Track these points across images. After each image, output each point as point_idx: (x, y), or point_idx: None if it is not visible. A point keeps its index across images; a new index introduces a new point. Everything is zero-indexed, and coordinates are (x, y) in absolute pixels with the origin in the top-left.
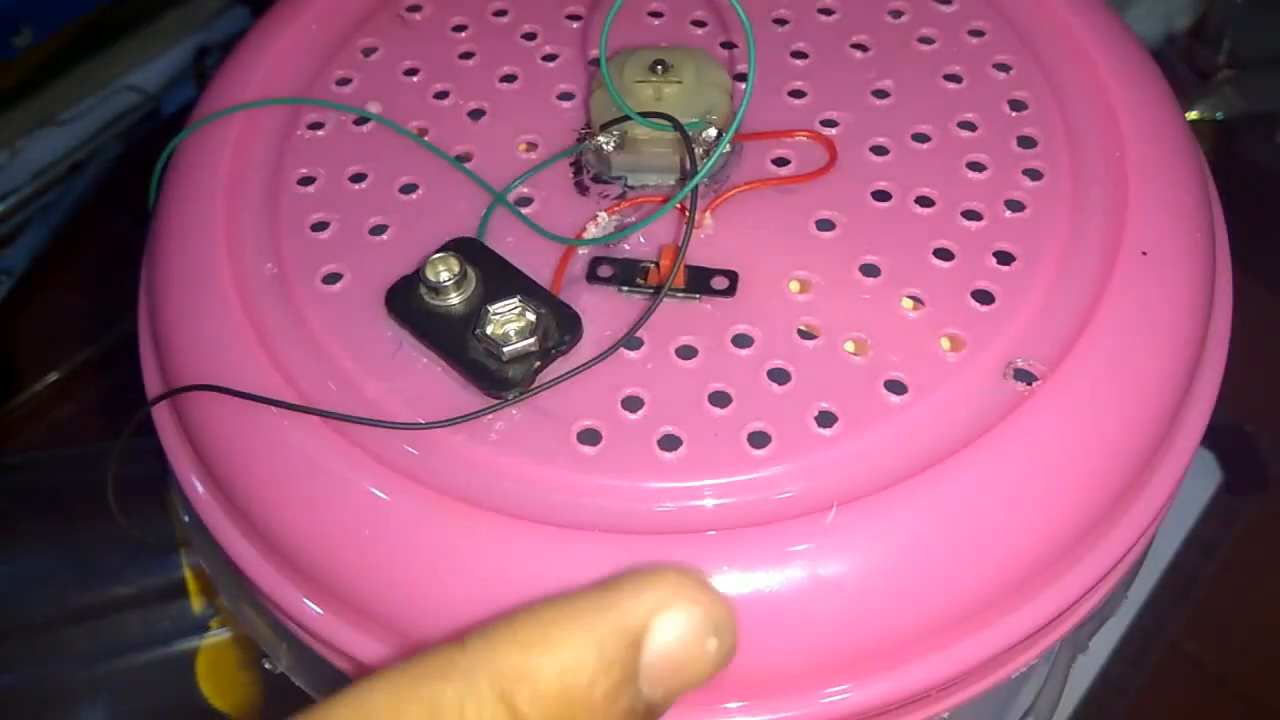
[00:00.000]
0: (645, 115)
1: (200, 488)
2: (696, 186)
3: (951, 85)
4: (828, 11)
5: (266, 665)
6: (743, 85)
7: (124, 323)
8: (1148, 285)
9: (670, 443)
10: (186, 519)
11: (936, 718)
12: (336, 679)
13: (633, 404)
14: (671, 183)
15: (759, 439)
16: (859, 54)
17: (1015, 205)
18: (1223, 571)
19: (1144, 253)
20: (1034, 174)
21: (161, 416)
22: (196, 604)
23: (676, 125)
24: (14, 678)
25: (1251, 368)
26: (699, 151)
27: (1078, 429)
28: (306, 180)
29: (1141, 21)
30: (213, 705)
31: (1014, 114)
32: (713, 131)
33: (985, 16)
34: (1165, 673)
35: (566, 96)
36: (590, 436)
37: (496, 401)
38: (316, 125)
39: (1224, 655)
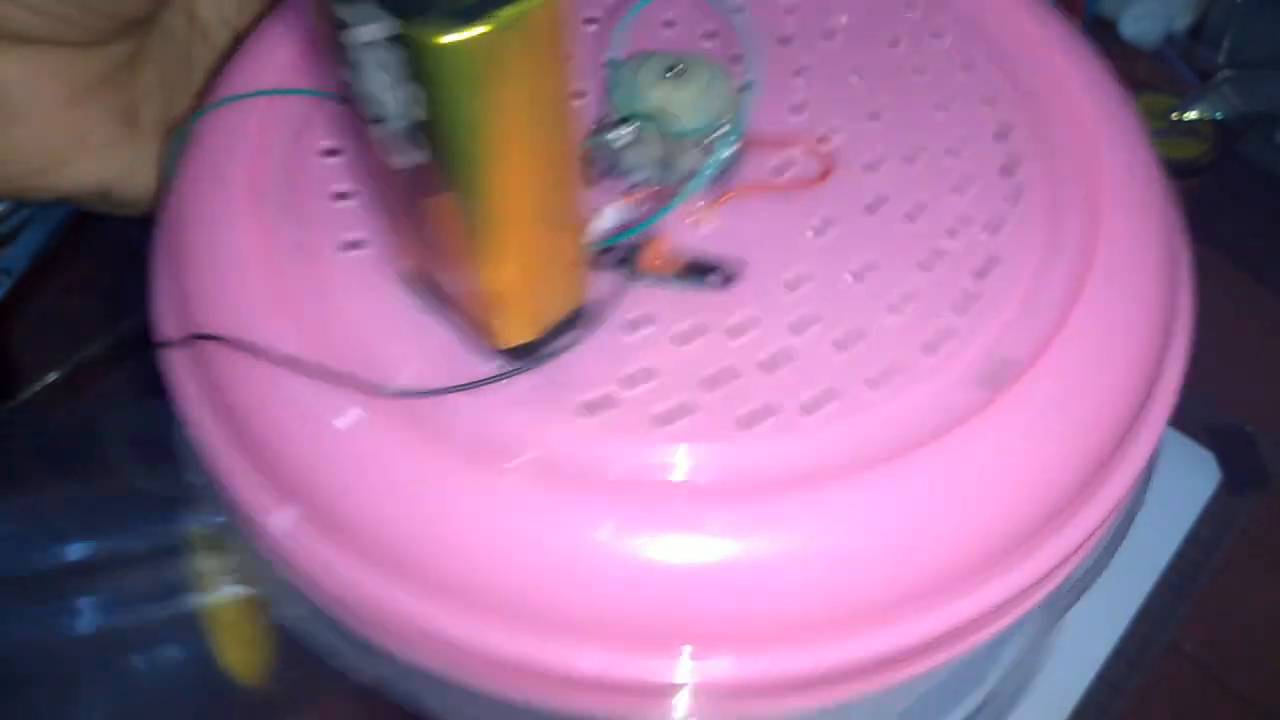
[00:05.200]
0: (655, 117)
1: (215, 442)
2: (702, 183)
3: (940, 113)
4: (830, 35)
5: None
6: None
7: (124, 323)
8: (1114, 304)
9: (669, 417)
10: (197, 473)
11: (914, 679)
12: (345, 632)
13: (635, 380)
14: (675, 180)
15: (753, 418)
16: (856, 77)
17: (993, 226)
18: (1222, 571)
19: (1112, 275)
20: (1012, 199)
21: (178, 370)
22: (204, 560)
23: (686, 129)
24: (18, 633)
25: (1251, 368)
26: (705, 153)
27: (1045, 426)
28: (331, 153)
29: (1141, 21)
30: (223, 661)
31: (996, 143)
32: (719, 135)
33: (977, 51)
34: (1165, 673)
35: (577, 95)
36: (594, 406)
37: (509, 369)
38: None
39: (1224, 655)
